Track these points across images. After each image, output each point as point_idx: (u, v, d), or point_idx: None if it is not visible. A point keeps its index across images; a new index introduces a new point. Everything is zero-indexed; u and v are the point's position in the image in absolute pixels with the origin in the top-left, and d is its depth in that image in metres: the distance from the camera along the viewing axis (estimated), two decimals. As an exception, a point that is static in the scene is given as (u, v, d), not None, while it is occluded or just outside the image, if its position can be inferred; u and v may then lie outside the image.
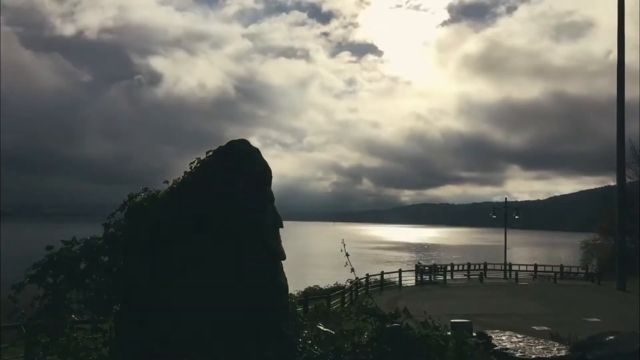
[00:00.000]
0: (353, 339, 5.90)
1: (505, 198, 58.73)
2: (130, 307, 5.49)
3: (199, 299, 5.31)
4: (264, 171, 6.01)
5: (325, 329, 6.13)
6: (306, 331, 6.05)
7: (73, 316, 5.60)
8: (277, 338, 5.45)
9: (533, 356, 6.61)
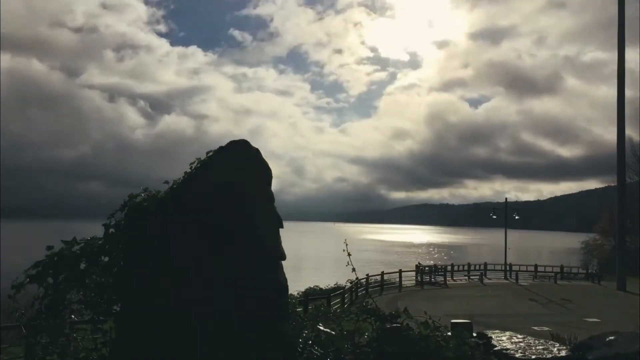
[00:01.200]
0: (353, 339, 5.90)
1: (506, 198, 58.64)
2: (131, 308, 5.49)
3: (199, 299, 5.31)
4: (264, 171, 6.01)
5: (325, 330, 6.12)
6: (306, 331, 6.05)
7: (73, 316, 5.60)
8: (277, 338, 5.45)
9: (533, 356, 6.60)
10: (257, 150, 5.99)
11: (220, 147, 5.95)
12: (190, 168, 5.94)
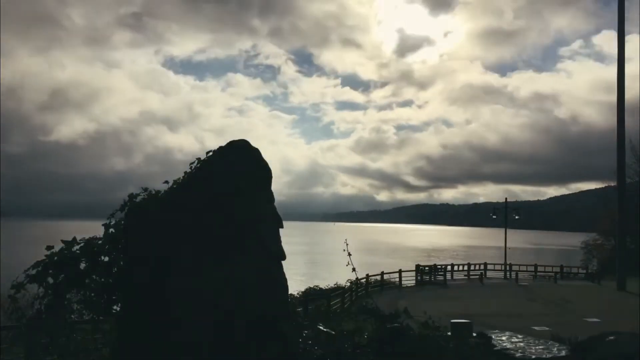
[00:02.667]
0: (353, 339, 5.91)
1: (506, 198, 58.51)
2: (130, 308, 5.49)
3: (199, 299, 5.31)
4: (264, 171, 6.01)
5: (325, 329, 6.13)
6: (306, 331, 6.06)
7: (73, 316, 5.60)
8: (277, 338, 5.45)
9: (533, 356, 6.62)
10: (257, 150, 5.99)
11: (220, 147, 5.95)
12: (190, 168, 5.94)
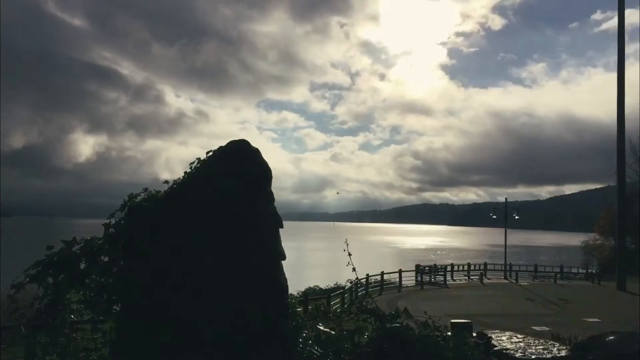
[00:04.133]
0: (353, 339, 5.91)
1: (506, 198, 58.61)
2: (131, 308, 5.48)
3: (199, 300, 5.31)
4: (264, 171, 6.01)
5: (325, 329, 6.13)
6: (306, 331, 6.05)
7: (72, 316, 5.60)
8: (277, 338, 5.45)
9: (533, 356, 6.61)
10: (256, 150, 5.98)
11: (220, 147, 5.94)
12: (190, 168, 5.94)
